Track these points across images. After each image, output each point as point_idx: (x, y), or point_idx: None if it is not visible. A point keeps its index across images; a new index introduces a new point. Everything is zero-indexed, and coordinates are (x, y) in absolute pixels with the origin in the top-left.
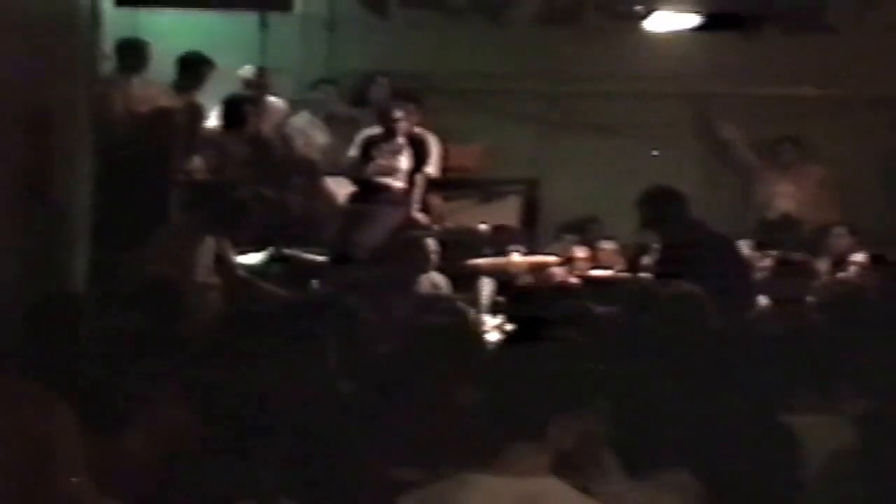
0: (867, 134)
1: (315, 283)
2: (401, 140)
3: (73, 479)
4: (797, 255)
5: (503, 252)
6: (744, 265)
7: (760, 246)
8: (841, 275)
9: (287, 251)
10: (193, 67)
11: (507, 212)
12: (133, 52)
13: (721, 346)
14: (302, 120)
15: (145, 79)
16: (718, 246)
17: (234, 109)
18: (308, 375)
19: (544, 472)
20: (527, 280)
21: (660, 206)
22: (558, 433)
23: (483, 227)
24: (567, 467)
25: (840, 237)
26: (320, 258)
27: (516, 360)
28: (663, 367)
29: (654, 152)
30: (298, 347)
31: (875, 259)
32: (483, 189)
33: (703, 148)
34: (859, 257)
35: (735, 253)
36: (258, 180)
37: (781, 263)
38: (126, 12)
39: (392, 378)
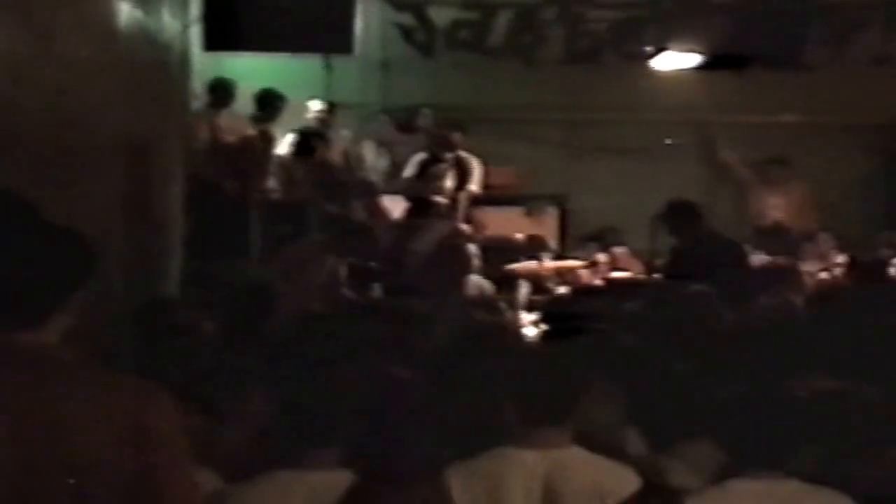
0: (843, 155)
1: (376, 287)
2: (448, 162)
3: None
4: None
5: (536, 257)
6: (748, 266)
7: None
8: (825, 275)
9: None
10: (269, 102)
11: (547, 224)
12: (221, 90)
13: (728, 335)
14: (366, 148)
15: (231, 112)
16: (728, 250)
17: (304, 140)
18: (374, 367)
19: (568, 444)
20: (556, 281)
21: (683, 216)
22: (581, 415)
23: (519, 236)
24: (591, 439)
25: (823, 242)
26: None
27: (545, 356)
28: (681, 353)
29: (668, 140)
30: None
31: (852, 260)
32: (523, 204)
33: (705, 167)
34: (840, 259)
35: (742, 256)
36: (324, 200)
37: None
38: (212, 55)
39: (446, 367)
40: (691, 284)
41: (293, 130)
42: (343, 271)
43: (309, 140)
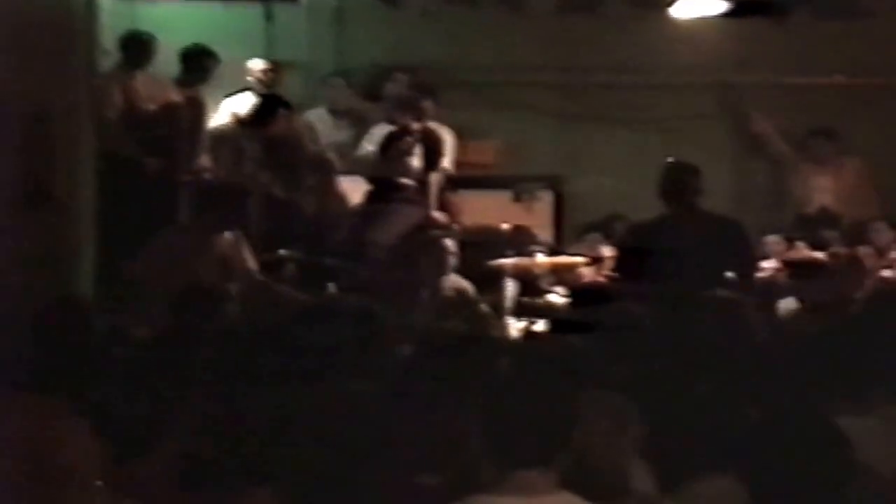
0: None
1: (331, 286)
2: (416, 136)
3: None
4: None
5: (526, 252)
6: (749, 251)
7: (791, 240)
8: (885, 272)
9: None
10: (197, 61)
11: (539, 212)
12: (136, 47)
13: (760, 349)
14: (313, 116)
15: (150, 74)
16: (726, 228)
17: (267, 105)
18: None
19: (555, 488)
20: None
21: (676, 178)
22: (573, 452)
23: (504, 226)
24: (586, 480)
25: (880, 232)
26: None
27: (532, 376)
28: (700, 370)
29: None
30: (316, 356)
31: None
32: (510, 187)
33: (734, 141)
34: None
35: (741, 239)
36: (272, 180)
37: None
38: (125, 3)
39: (410, 384)
40: (716, 291)
41: (244, 94)
42: (247, 251)
43: (273, 105)
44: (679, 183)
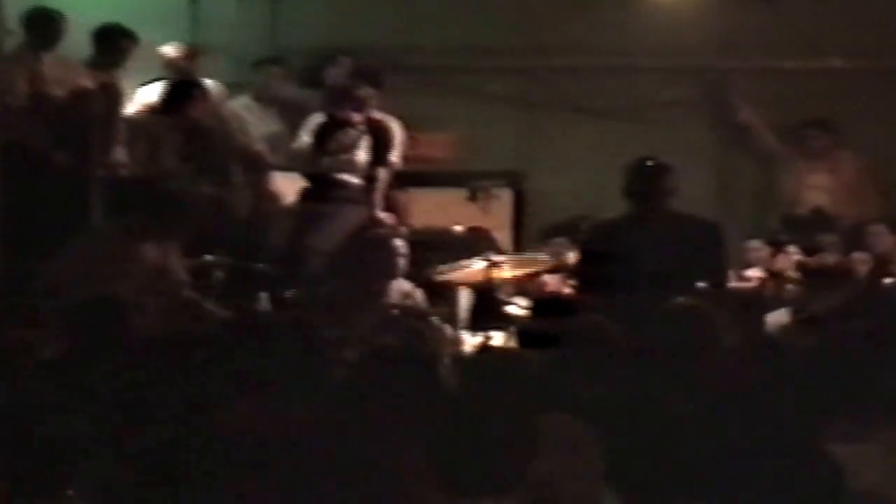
0: None
1: (264, 296)
2: (359, 127)
3: None
4: (833, 258)
5: (484, 258)
6: (722, 258)
7: (776, 244)
8: (886, 281)
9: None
10: (112, 42)
11: (497, 212)
12: (43, 26)
13: (738, 365)
14: (240, 104)
15: (59, 56)
16: (699, 231)
17: (179, 94)
18: (258, 408)
19: None
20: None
21: (645, 174)
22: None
23: (458, 228)
24: None
25: (878, 236)
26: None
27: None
28: (672, 390)
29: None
30: (244, 378)
31: None
32: (465, 184)
33: (717, 133)
34: None
35: (715, 243)
36: (195, 175)
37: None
38: None
39: (351, 406)
40: (683, 299)
41: (162, 81)
42: (178, 262)
43: (183, 91)
44: (648, 182)
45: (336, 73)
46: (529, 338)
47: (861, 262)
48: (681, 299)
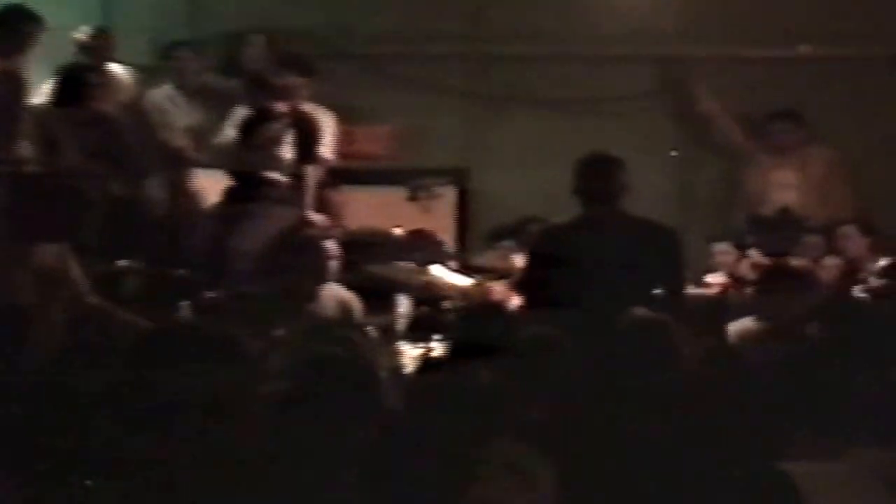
0: (889, 103)
1: (184, 304)
2: (283, 120)
3: None
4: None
5: (425, 262)
6: (679, 264)
7: (743, 247)
8: (857, 287)
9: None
10: (14, 26)
11: (439, 212)
12: None
13: (697, 379)
14: (162, 94)
15: None
16: (655, 235)
17: (73, 82)
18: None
19: None
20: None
21: (596, 171)
22: None
23: (397, 231)
24: None
25: (849, 238)
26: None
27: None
28: (626, 406)
29: (673, 153)
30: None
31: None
32: (404, 182)
33: (678, 126)
34: (882, 263)
35: (674, 248)
36: (105, 172)
37: (774, 272)
38: None
39: (276, 427)
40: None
41: (57, 71)
42: (76, 267)
43: (79, 81)
44: (598, 179)
45: (252, 55)
46: (464, 351)
47: (828, 267)
48: (637, 311)
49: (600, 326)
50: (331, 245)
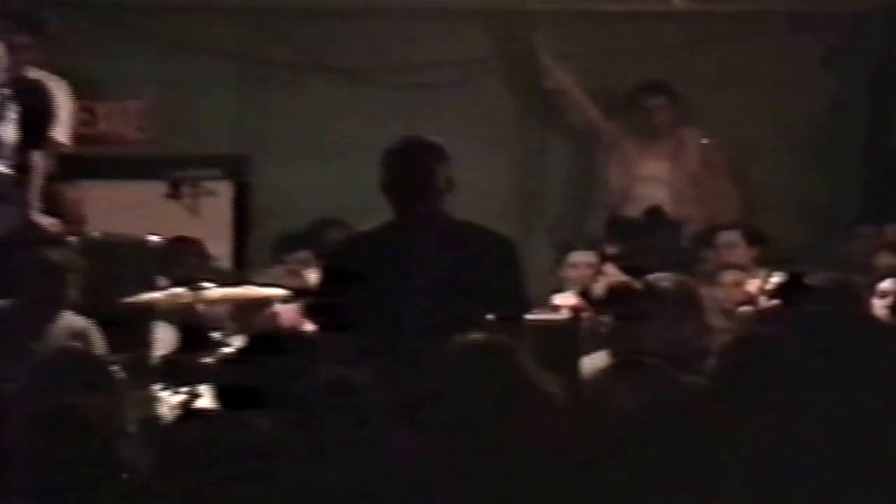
0: (785, 77)
1: None
2: (4, 90)
3: None
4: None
5: (191, 281)
6: (519, 283)
7: (606, 258)
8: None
9: None
10: None
11: (210, 215)
12: None
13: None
14: None
15: None
16: (487, 246)
17: None
18: None
19: None
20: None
21: (412, 167)
22: None
23: (154, 238)
24: None
25: (731, 248)
26: None
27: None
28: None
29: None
30: None
31: (791, 282)
32: (163, 175)
33: (521, 103)
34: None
35: (511, 262)
36: None
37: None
38: None
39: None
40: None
41: None
42: None
43: None
44: (413, 172)
45: None
46: (237, 397)
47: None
48: (469, 335)
49: (417, 359)
50: (66, 258)
